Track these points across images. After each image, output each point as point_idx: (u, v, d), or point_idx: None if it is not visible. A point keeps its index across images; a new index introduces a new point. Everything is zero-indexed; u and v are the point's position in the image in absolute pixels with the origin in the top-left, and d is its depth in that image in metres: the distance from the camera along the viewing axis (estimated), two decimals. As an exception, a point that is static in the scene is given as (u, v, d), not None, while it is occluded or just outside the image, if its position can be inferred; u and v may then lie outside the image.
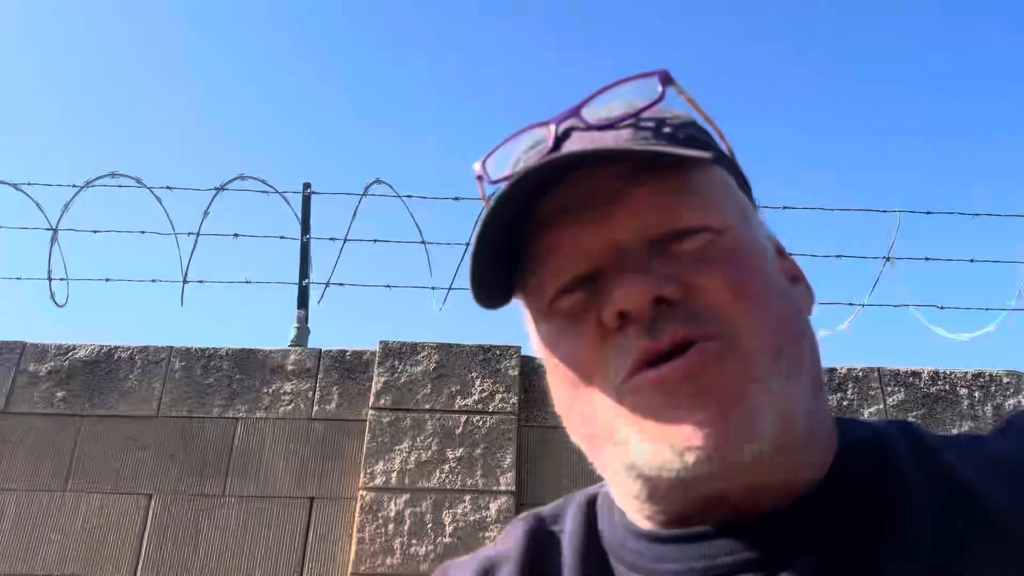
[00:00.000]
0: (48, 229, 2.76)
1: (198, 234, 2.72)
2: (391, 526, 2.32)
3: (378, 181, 2.91)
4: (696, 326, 0.49)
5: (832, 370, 2.81)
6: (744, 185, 0.62)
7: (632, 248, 0.52)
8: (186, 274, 2.72)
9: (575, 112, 0.58)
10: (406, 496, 2.36)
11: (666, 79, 0.57)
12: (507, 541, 0.65)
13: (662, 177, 0.53)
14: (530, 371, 2.65)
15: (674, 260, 0.52)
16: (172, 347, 2.62)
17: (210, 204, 2.74)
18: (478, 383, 2.56)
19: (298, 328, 2.79)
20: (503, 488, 2.41)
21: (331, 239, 2.78)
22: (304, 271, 2.84)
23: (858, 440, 0.56)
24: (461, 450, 2.44)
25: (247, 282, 2.78)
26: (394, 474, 2.39)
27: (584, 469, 1.72)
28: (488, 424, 2.49)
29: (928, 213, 3.19)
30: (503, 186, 0.53)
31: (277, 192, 2.67)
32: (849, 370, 2.77)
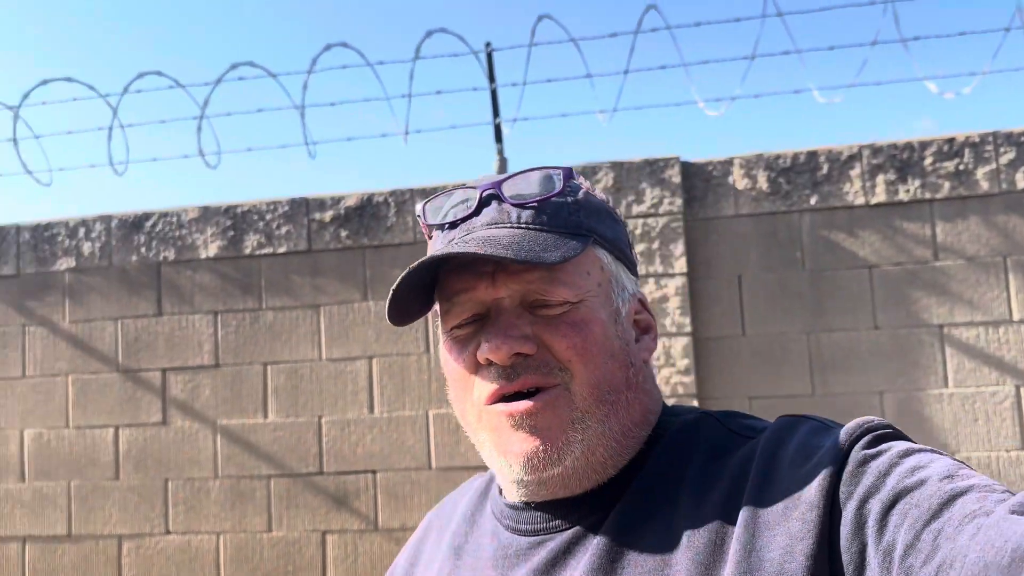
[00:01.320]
0: (296, 107, 3.52)
1: (410, 95, 3.40)
2: (597, 306, 3.17)
3: (547, 17, 3.43)
4: (544, 376, 0.72)
5: (951, 139, 3.22)
6: (623, 246, 0.83)
7: (508, 307, 0.74)
8: (407, 127, 3.44)
9: (497, 185, 0.77)
10: (605, 284, 3.18)
11: (568, 176, 0.78)
12: (466, 491, 0.95)
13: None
14: (691, 175, 3.28)
15: (537, 320, 0.73)
16: (413, 188, 3.42)
17: (414, 67, 3.39)
18: (648, 191, 3.24)
19: (499, 159, 3.52)
20: (677, 271, 3.17)
21: (512, 84, 3.39)
22: (496, 112, 3.50)
23: (655, 436, 0.79)
24: (642, 246, 3.19)
25: (453, 127, 3.48)
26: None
27: (743, 258, 2.83)
28: (660, 224, 3.20)
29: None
30: (435, 251, 0.75)
31: (472, 52, 3.27)
32: (967, 136, 3.19)
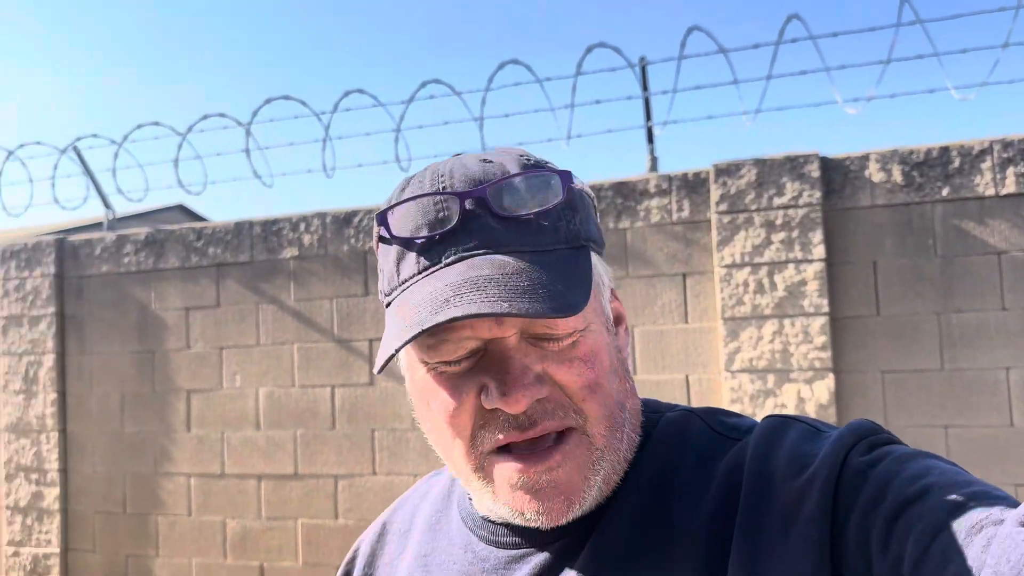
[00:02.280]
0: (475, 119, 4.11)
1: (572, 105, 3.92)
2: (740, 287, 3.58)
3: (697, 29, 3.85)
4: (561, 419, 0.66)
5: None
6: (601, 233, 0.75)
7: (514, 344, 0.65)
8: (569, 133, 3.97)
9: (482, 192, 0.65)
10: (748, 268, 3.57)
11: (568, 179, 0.68)
12: (425, 493, 0.90)
13: None
14: (830, 169, 3.61)
15: (545, 354, 0.65)
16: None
17: (576, 81, 3.90)
18: (788, 185, 3.60)
19: (650, 158, 3.98)
20: (815, 257, 3.52)
21: (663, 92, 3.84)
22: (648, 116, 3.96)
23: (645, 441, 0.74)
24: (782, 234, 3.56)
25: (609, 131, 3.98)
26: (737, 254, 3.60)
27: (878, 245, 3.40)
28: (799, 215, 3.56)
29: None
30: (439, 307, 0.61)
31: (628, 65, 3.74)
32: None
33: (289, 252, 4.40)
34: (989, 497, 0.55)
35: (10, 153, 4.93)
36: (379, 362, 0.63)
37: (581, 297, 0.62)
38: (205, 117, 4.48)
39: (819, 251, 3.49)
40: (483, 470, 0.68)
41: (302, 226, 4.41)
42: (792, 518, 0.61)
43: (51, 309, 4.68)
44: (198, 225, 4.54)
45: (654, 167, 4.01)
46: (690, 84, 4.01)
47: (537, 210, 0.66)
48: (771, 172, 3.60)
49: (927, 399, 3.40)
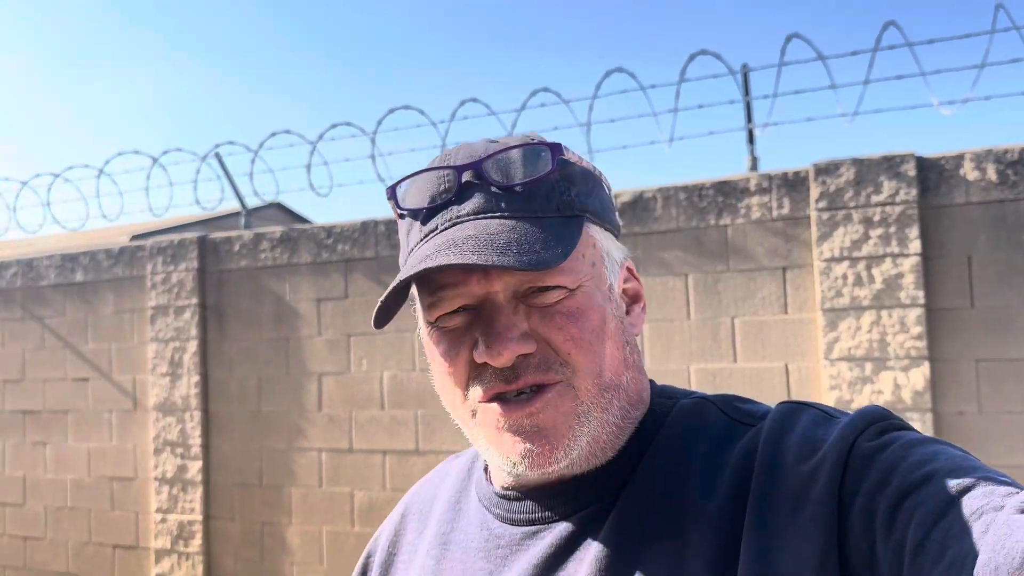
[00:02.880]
0: (582, 125, 4.42)
1: (675, 110, 4.20)
2: (839, 280, 3.81)
3: (796, 36, 4.09)
4: (544, 373, 0.69)
5: None
6: (612, 218, 0.79)
7: (503, 301, 0.70)
8: (672, 135, 4.25)
9: (478, 164, 0.71)
10: (847, 262, 3.81)
11: (557, 151, 0.72)
12: (445, 474, 0.93)
13: None
14: (925, 168, 3.81)
15: (532, 310, 0.70)
16: (676, 185, 4.23)
17: (679, 88, 4.18)
18: (885, 183, 3.82)
19: (750, 158, 4.23)
20: (911, 252, 3.73)
21: (763, 96, 4.08)
22: (749, 119, 4.21)
23: (652, 419, 0.77)
24: (879, 230, 3.78)
25: (711, 133, 4.24)
26: (836, 248, 3.83)
27: (973, 240, 3.74)
28: (896, 211, 3.77)
29: None
30: (417, 246, 0.72)
31: (730, 72, 4.01)
32: None
33: (408, 248, 4.80)
34: (992, 483, 0.56)
35: (155, 160, 5.46)
36: (374, 316, 0.73)
37: (555, 256, 0.66)
38: (334, 126, 4.89)
39: (915, 246, 3.70)
40: (476, 418, 0.73)
41: (420, 224, 4.80)
42: (802, 500, 0.62)
43: (194, 300, 5.19)
44: (328, 224, 4.97)
45: (755, 167, 4.27)
46: (790, 88, 4.25)
47: (528, 180, 0.70)
48: (868, 171, 3.82)
49: (1021, 387, 3.58)
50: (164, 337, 5.26)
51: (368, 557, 0.93)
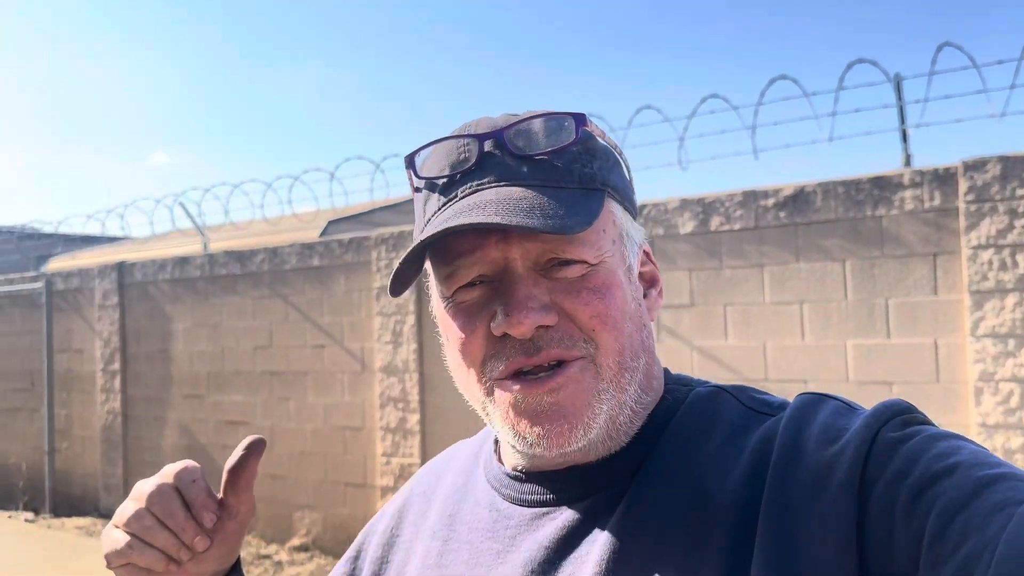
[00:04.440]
0: (747, 128, 5.02)
1: (834, 114, 4.72)
2: (985, 265, 4.24)
3: (949, 45, 4.51)
4: (568, 348, 0.67)
5: None
6: (631, 198, 0.77)
7: (523, 271, 0.67)
8: (831, 135, 4.77)
9: (499, 134, 0.69)
10: (992, 249, 4.22)
11: (580, 122, 0.70)
12: (453, 456, 0.94)
13: None
14: (1071, 163, 4.16)
15: (554, 283, 0.68)
16: (835, 180, 4.75)
17: (838, 95, 4.70)
18: (1033, 177, 4.20)
19: (904, 155, 4.70)
20: (1056, 239, 4.11)
21: (915, 101, 4.54)
22: (902, 120, 4.67)
23: (667, 405, 0.75)
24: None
25: (867, 133, 4.73)
26: (982, 237, 4.26)
27: None
28: (1043, 202, 4.15)
29: None
30: (437, 213, 0.70)
31: (888, 79, 4.50)
32: None
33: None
34: (1016, 479, 0.55)
35: (377, 165, 6.55)
36: (390, 284, 0.70)
37: (579, 223, 0.64)
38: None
39: (1061, 234, 4.07)
40: (492, 395, 0.70)
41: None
42: (822, 487, 0.61)
43: (411, 281, 6.24)
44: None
45: (908, 163, 4.72)
46: (939, 93, 4.67)
47: (551, 149, 0.69)
48: (1014, 167, 4.21)
49: None
50: (387, 312, 6.35)
51: (366, 537, 0.92)
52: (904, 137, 4.69)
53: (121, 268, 8.40)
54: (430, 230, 0.67)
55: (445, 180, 0.71)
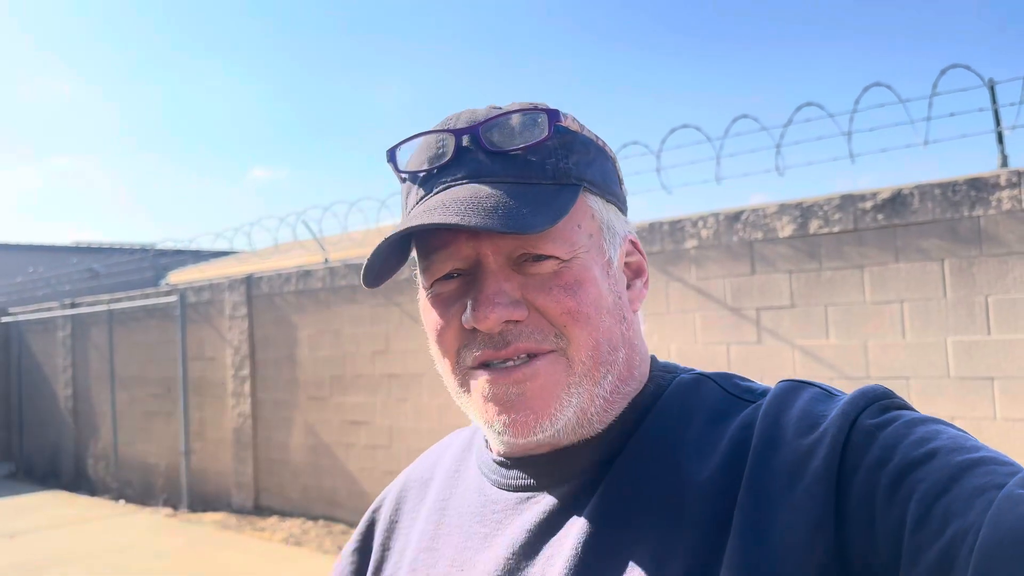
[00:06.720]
0: (844, 134, 5.23)
1: (928, 119, 4.89)
2: (1086, 262, 4.34)
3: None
4: (538, 342, 0.68)
5: None
6: (613, 190, 0.77)
7: (494, 266, 0.69)
8: (926, 138, 4.94)
9: (475, 129, 0.70)
10: (1094, 246, 4.33)
11: (554, 118, 0.71)
12: (447, 446, 0.95)
13: None
14: None
15: (527, 279, 0.69)
16: (932, 182, 4.92)
17: (932, 100, 4.87)
18: None
19: (1000, 156, 4.83)
20: None
21: (1009, 104, 4.67)
22: (997, 122, 4.81)
23: (650, 392, 0.76)
24: None
25: (963, 136, 4.88)
26: (1083, 235, 4.37)
27: None
28: None
29: None
30: (410, 210, 0.73)
31: (982, 83, 4.65)
32: None
33: (691, 243, 5.87)
34: (995, 463, 0.55)
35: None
36: (362, 275, 0.72)
37: (542, 222, 0.64)
38: (631, 143, 6.07)
39: None
40: (465, 385, 0.73)
41: (700, 222, 5.85)
42: (799, 474, 0.61)
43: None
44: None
45: (1004, 163, 4.85)
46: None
47: (524, 145, 0.70)
48: (1116, 165, 4.31)
49: None
50: (497, 317, 6.77)
51: (371, 523, 0.94)
52: (1000, 139, 4.81)
53: (249, 281, 9.13)
54: (403, 225, 0.69)
55: (424, 174, 0.73)
